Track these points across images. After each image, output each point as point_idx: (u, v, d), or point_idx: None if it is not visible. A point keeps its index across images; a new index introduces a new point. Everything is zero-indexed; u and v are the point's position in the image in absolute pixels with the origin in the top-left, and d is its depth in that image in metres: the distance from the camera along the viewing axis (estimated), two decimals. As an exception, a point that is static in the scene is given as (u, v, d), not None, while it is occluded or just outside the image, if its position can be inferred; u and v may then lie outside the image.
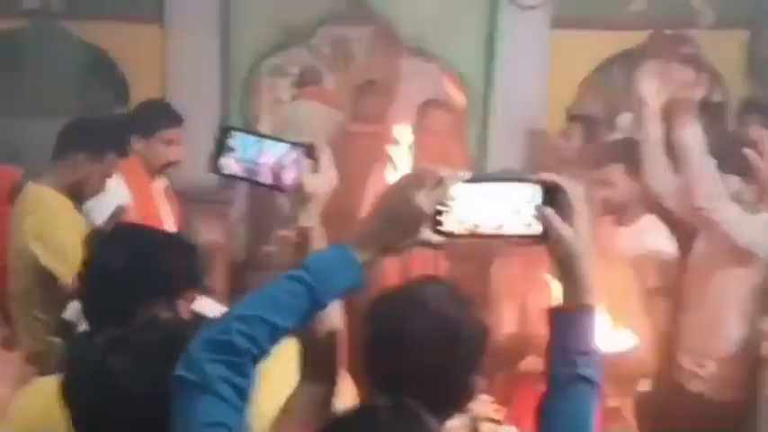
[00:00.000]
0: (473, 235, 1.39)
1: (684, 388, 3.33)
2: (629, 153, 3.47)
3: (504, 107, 5.33)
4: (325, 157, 1.55)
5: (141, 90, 5.28)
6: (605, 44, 5.43)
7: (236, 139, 1.54)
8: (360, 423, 1.35)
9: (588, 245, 1.41)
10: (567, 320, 1.43)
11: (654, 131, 3.22)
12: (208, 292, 2.31)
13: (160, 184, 3.75)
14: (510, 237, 1.40)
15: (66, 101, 5.82)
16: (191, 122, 5.16)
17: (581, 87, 5.39)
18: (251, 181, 1.55)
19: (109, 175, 3.18)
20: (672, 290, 3.41)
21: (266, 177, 1.53)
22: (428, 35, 5.35)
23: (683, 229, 3.43)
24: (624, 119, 4.74)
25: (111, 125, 3.86)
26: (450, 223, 1.38)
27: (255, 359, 1.31)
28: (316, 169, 1.53)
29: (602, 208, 3.43)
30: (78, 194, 3.10)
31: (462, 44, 5.38)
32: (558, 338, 1.44)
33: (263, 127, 6.68)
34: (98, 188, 3.13)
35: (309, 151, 1.54)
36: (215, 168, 1.55)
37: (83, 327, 2.11)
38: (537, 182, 1.39)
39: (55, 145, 3.17)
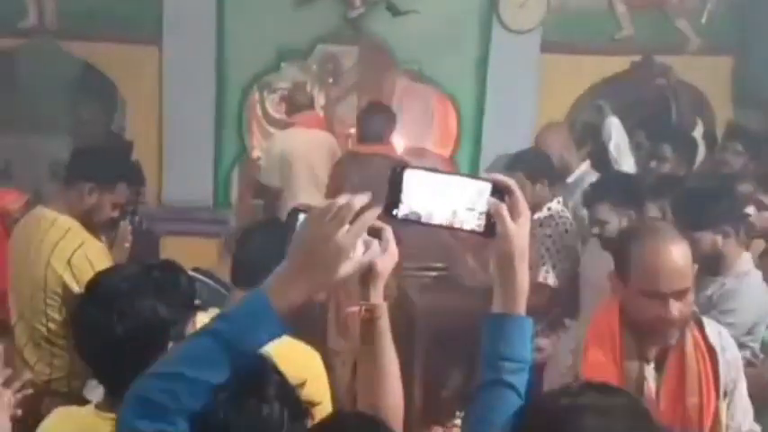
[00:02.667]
0: (423, 223, 1.41)
1: None
2: (614, 189, 3.58)
3: (494, 128, 5.43)
4: (390, 236, 1.55)
5: (138, 110, 5.35)
6: (594, 69, 5.53)
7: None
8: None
9: (526, 247, 1.43)
10: (498, 326, 1.45)
11: None
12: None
13: None
14: (458, 229, 1.42)
15: (59, 119, 5.88)
16: (186, 143, 5.26)
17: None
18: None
19: (120, 205, 3.19)
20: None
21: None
22: (421, 57, 5.45)
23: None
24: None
25: (122, 154, 3.89)
26: (402, 207, 1.40)
27: (181, 412, 1.31)
28: (383, 248, 1.54)
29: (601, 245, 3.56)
30: (88, 223, 3.11)
31: (454, 67, 5.47)
32: (488, 343, 1.45)
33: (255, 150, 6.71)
34: (108, 218, 3.16)
35: (374, 231, 1.54)
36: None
37: None
38: (488, 181, 1.41)
39: (65, 172, 3.18)
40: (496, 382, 1.43)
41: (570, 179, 4.38)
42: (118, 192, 3.15)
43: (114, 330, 1.83)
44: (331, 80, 8.72)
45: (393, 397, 1.60)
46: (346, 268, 1.34)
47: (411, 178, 1.39)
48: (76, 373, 2.98)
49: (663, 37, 5.55)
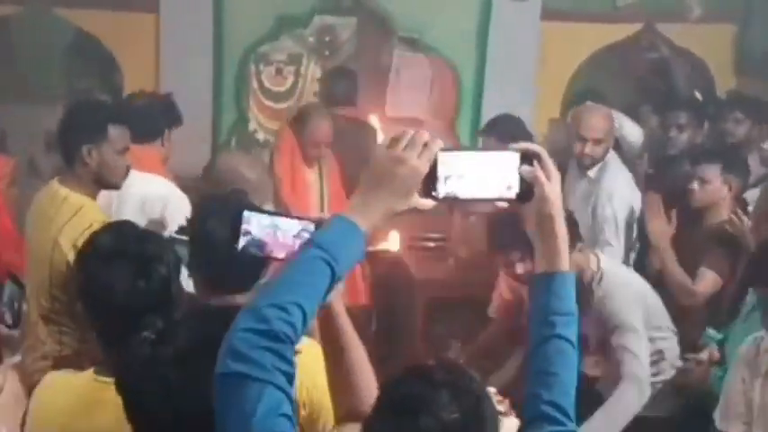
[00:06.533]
0: (459, 198, 1.47)
1: None
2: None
3: (494, 97, 5.39)
4: None
5: (134, 78, 5.28)
6: (595, 37, 5.49)
7: (251, 223, 1.58)
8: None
9: (561, 206, 1.50)
10: (546, 284, 1.50)
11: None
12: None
13: None
14: (493, 199, 1.48)
15: (54, 88, 5.81)
16: (184, 111, 5.19)
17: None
18: (269, 258, 1.61)
19: (122, 149, 3.01)
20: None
21: (282, 254, 1.57)
22: (421, 26, 5.41)
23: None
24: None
25: (90, 101, 3.83)
26: (440, 187, 1.44)
27: (294, 344, 1.31)
28: None
29: None
30: (110, 185, 3.02)
31: (455, 35, 5.44)
32: (538, 301, 1.51)
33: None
34: (124, 169, 3.02)
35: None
36: (234, 251, 1.59)
37: None
38: (516, 150, 1.48)
39: (61, 150, 3.03)
40: (552, 336, 1.48)
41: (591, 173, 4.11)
42: (111, 136, 2.96)
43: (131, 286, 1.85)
44: (327, 53, 8.65)
45: (369, 390, 1.55)
46: (416, 197, 1.41)
47: (444, 159, 1.44)
48: (86, 351, 2.89)
49: (665, 5, 5.52)
